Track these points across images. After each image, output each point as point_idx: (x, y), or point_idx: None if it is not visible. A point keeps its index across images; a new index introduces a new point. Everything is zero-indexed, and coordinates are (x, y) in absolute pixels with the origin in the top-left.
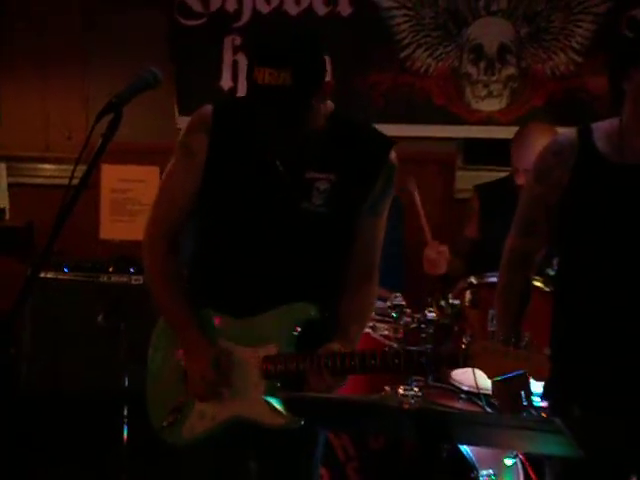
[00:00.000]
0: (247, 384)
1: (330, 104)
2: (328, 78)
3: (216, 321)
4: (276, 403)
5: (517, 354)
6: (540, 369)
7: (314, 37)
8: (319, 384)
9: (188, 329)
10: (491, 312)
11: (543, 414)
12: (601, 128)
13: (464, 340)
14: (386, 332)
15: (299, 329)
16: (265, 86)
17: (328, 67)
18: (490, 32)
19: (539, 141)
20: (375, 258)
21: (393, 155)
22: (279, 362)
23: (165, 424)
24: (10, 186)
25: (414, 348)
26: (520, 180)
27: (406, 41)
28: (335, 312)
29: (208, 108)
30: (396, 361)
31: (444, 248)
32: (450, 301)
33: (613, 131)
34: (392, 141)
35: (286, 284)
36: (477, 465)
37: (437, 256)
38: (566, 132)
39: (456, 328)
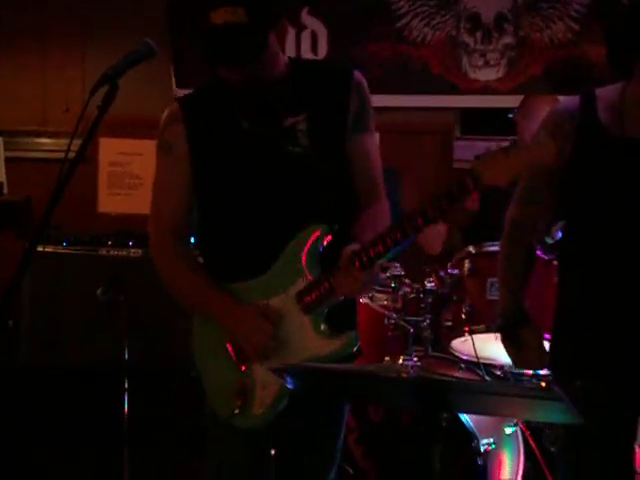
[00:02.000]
0: (293, 329)
1: (284, 56)
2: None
3: (238, 288)
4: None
5: (517, 149)
6: (546, 151)
7: None
8: (354, 285)
9: (223, 301)
10: (490, 281)
11: (543, 383)
12: (604, 96)
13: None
14: (385, 302)
15: (313, 250)
16: (221, 24)
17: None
18: (487, 1)
19: (543, 110)
20: (376, 175)
21: (356, 75)
22: (312, 290)
23: (236, 411)
24: (8, 160)
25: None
26: None
27: (402, 10)
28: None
29: (174, 104)
30: (413, 222)
31: (442, 227)
32: (449, 270)
33: (616, 100)
34: (351, 66)
35: (292, 230)
36: (477, 434)
37: (434, 234)
38: (568, 101)
39: (455, 297)
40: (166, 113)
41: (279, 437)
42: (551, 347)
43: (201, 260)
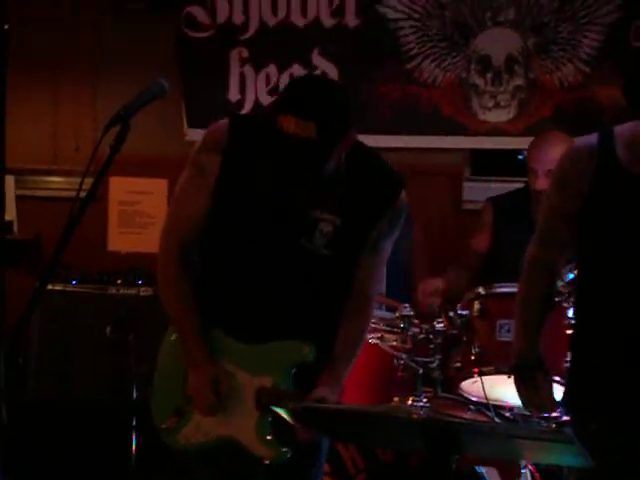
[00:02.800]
0: (242, 410)
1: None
2: (352, 132)
3: (224, 342)
4: (285, 414)
5: None
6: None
7: (342, 91)
8: (304, 432)
9: (194, 344)
10: (499, 322)
11: (553, 425)
12: (623, 133)
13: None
14: (394, 343)
15: (294, 370)
16: (290, 136)
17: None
18: (497, 43)
19: (558, 145)
20: (371, 292)
21: (402, 197)
22: (271, 396)
23: (164, 427)
24: (18, 199)
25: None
26: (539, 184)
27: (413, 52)
28: (332, 345)
29: (224, 125)
30: None
31: (437, 280)
32: (458, 311)
33: (634, 137)
34: (402, 181)
35: (286, 316)
36: (486, 476)
37: (431, 289)
38: (586, 138)
39: (464, 338)
40: (212, 132)
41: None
42: (566, 386)
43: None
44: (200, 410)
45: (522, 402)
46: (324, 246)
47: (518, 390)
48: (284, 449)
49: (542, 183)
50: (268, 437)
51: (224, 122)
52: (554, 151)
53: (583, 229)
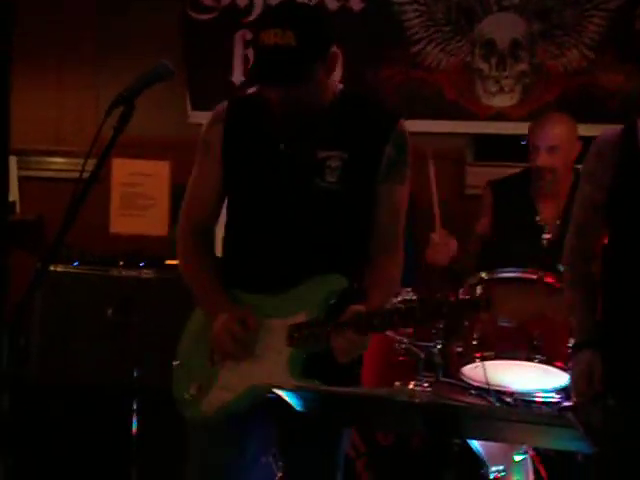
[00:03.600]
0: (271, 353)
1: (338, 85)
2: (334, 48)
3: (246, 298)
4: (286, 395)
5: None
6: None
7: (317, 9)
8: (344, 344)
9: (216, 295)
10: None
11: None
12: None
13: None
14: None
15: (332, 300)
16: (270, 46)
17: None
18: (502, 27)
19: (560, 123)
20: (398, 227)
21: (401, 124)
22: (304, 328)
23: (187, 396)
24: (20, 179)
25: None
26: (540, 160)
27: (417, 36)
28: (361, 284)
29: (223, 103)
30: (418, 315)
31: (452, 240)
32: (460, 297)
33: None
34: (398, 113)
35: (308, 260)
36: (487, 461)
37: (442, 245)
38: (612, 130)
39: (466, 323)
40: (213, 112)
41: (277, 445)
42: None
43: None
44: (227, 350)
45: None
46: (337, 181)
47: (572, 371)
48: (317, 382)
49: (543, 159)
50: (297, 365)
51: (224, 102)
52: (556, 128)
53: (610, 219)
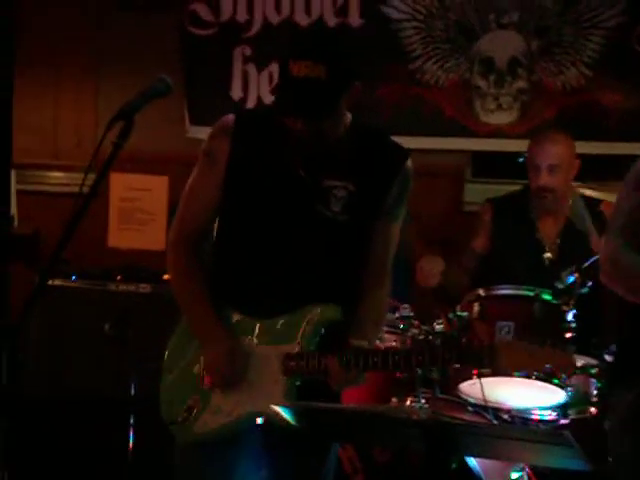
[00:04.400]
0: (266, 381)
1: (349, 115)
2: (358, 81)
3: (236, 319)
4: (284, 412)
5: (542, 352)
6: (565, 365)
7: (343, 41)
8: (340, 379)
9: (206, 320)
10: (499, 324)
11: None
12: None
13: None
14: (394, 343)
15: (323, 330)
16: (301, 78)
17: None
18: (501, 45)
19: (559, 142)
20: (388, 263)
21: (409, 163)
22: (301, 359)
23: (179, 419)
24: (18, 193)
25: (437, 343)
26: (542, 180)
27: (416, 53)
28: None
29: (230, 116)
30: (420, 358)
31: (438, 261)
32: (458, 313)
33: None
34: (408, 151)
35: (304, 287)
36: (483, 478)
37: (429, 270)
38: None
39: (464, 340)
40: (219, 123)
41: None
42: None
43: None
44: (218, 385)
45: None
46: (340, 211)
47: None
48: None
49: (545, 179)
50: (292, 395)
51: (230, 115)
52: (556, 147)
53: None
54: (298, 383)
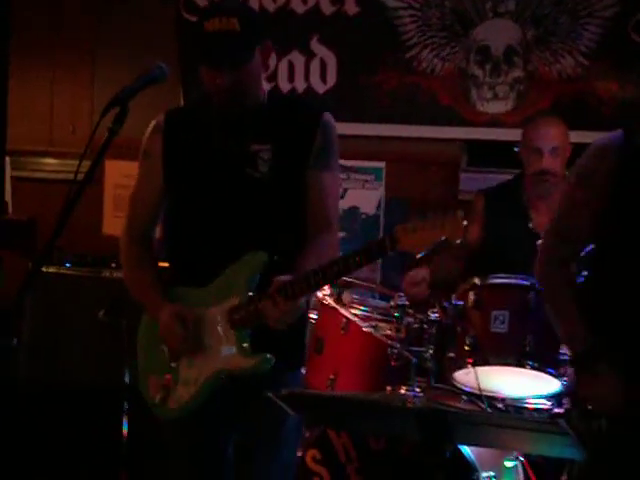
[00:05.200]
0: (219, 339)
1: (266, 85)
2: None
3: (180, 292)
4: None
5: (432, 223)
6: (456, 229)
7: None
8: (276, 313)
9: (155, 297)
10: (494, 313)
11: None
12: None
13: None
14: (388, 331)
15: (256, 277)
16: (215, 32)
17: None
18: (497, 34)
19: (557, 125)
20: (329, 210)
21: (327, 116)
22: (242, 309)
23: (157, 401)
24: (13, 180)
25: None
26: (545, 163)
27: (412, 41)
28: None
29: (160, 116)
30: (334, 268)
31: (424, 274)
32: (453, 302)
33: None
34: (324, 108)
35: (242, 247)
36: (478, 467)
37: (415, 285)
38: (611, 134)
39: (459, 329)
40: (152, 123)
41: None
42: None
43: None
44: (176, 347)
45: (582, 395)
46: (268, 171)
47: (578, 382)
48: (267, 355)
49: (548, 161)
50: (245, 345)
51: (160, 115)
52: (556, 130)
53: (607, 225)
54: (249, 332)
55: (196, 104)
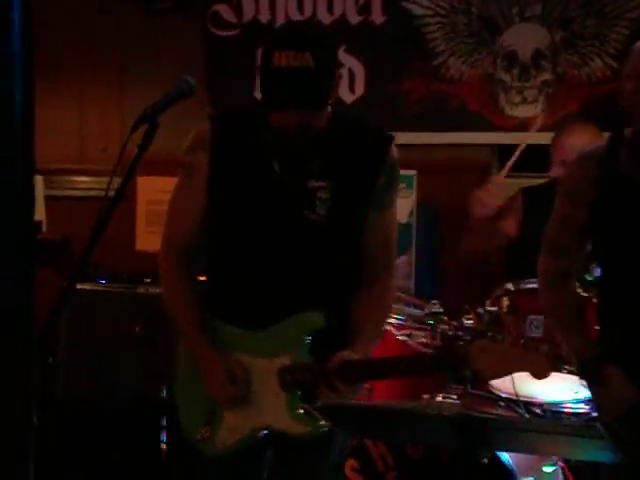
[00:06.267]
0: (269, 395)
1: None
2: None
3: (228, 333)
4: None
5: (516, 355)
6: (540, 369)
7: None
8: (332, 391)
9: (200, 343)
10: (529, 318)
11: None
12: (628, 136)
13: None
14: (423, 339)
15: (309, 339)
16: (286, 68)
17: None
18: (524, 38)
19: (576, 136)
20: (390, 252)
21: (393, 151)
22: (294, 372)
23: (199, 437)
24: (46, 199)
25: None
26: (552, 172)
27: (440, 48)
28: (347, 316)
29: (205, 125)
30: (395, 372)
31: (494, 194)
32: (487, 308)
33: (634, 143)
34: (391, 136)
35: (295, 293)
36: (517, 473)
37: (490, 197)
38: (595, 144)
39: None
40: (195, 133)
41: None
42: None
43: (205, 282)
44: (224, 405)
45: (598, 406)
46: (326, 213)
47: (592, 394)
48: (321, 422)
49: (554, 171)
50: (300, 411)
51: (205, 123)
52: (570, 141)
53: (594, 236)
54: (299, 395)
55: (249, 120)
